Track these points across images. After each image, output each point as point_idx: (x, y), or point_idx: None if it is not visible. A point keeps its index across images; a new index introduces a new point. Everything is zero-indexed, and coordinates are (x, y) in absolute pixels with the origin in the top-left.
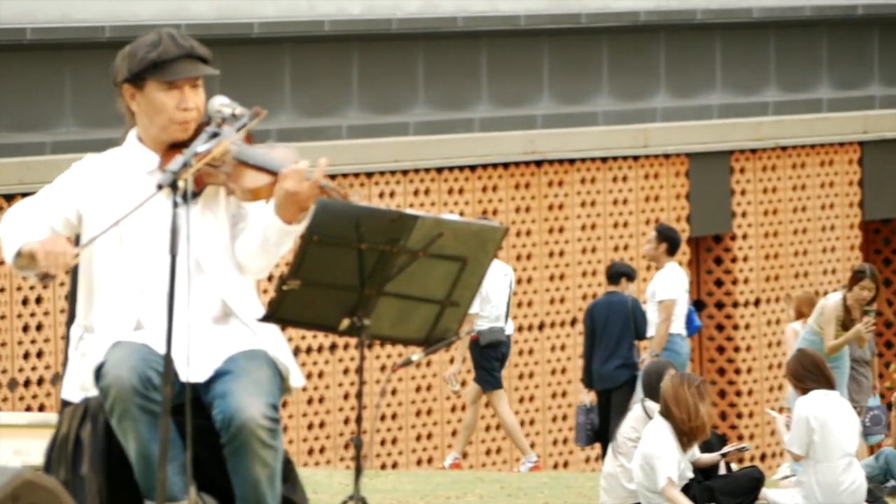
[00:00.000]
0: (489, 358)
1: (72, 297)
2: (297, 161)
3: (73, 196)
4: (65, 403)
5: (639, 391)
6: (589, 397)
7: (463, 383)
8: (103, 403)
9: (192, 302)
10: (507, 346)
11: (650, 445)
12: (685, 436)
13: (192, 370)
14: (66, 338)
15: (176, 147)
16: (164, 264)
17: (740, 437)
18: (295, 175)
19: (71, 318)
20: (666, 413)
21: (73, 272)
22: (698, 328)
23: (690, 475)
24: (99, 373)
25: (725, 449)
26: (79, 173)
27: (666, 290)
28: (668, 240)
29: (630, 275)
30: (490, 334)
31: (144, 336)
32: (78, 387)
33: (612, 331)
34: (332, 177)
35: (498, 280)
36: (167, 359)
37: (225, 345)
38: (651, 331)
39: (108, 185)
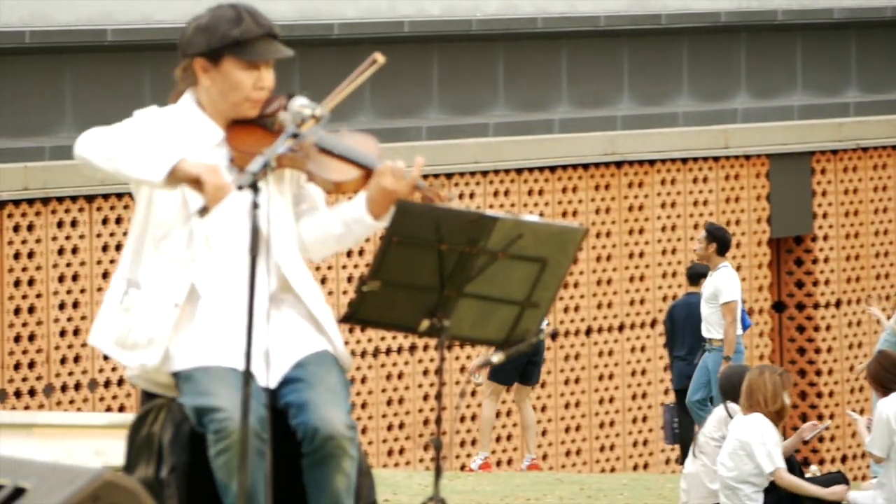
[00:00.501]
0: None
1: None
2: (378, 149)
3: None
4: (147, 396)
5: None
6: (673, 398)
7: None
8: (211, 442)
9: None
10: (535, 346)
11: (748, 433)
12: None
13: (269, 375)
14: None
15: (239, 123)
16: (225, 234)
17: (821, 440)
18: (393, 173)
19: None
20: (748, 401)
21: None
22: (749, 326)
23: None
24: (206, 414)
25: (807, 435)
26: (150, 121)
27: (729, 291)
28: (718, 239)
29: (707, 275)
30: None
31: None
32: (113, 341)
33: (690, 331)
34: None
35: None
36: (246, 375)
37: (291, 345)
38: (712, 332)
39: (174, 144)
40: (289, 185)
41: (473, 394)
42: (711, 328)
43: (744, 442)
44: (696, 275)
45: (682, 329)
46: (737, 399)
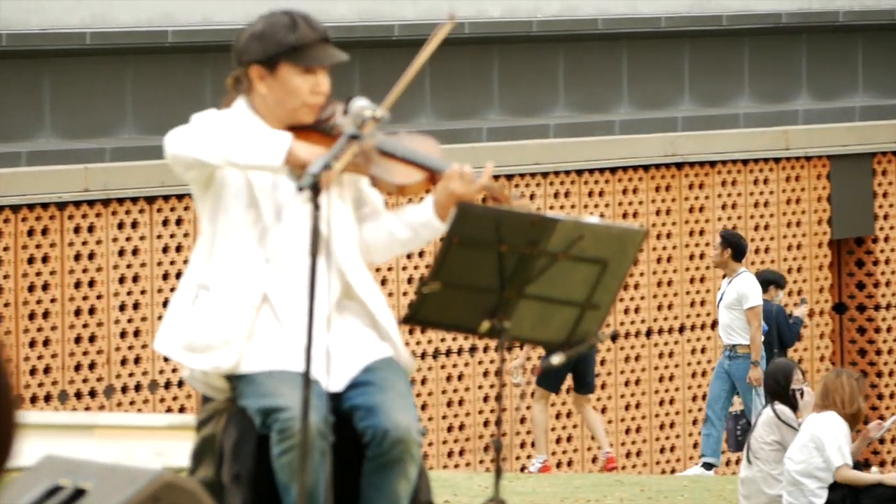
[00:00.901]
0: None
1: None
2: (439, 150)
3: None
4: (207, 397)
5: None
6: (740, 405)
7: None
8: (275, 442)
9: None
10: (586, 352)
11: (822, 428)
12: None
13: (332, 379)
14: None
15: (297, 129)
16: (294, 238)
17: (881, 442)
18: (462, 177)
19: None
20: (824, 401)
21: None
22: (766, 331)
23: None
24: (270, 414)
25: (874, 434)
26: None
27: (753, 296)
28: (733, 245)
29: (778, 282)
30: None
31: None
32: (182, 345)
33: (765, 340)
34: None
35: None
36: (306, 376)
37: (357, 350)
38: (735, 338)
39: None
40: (349, 190)
41: (533, 395)
42: (734, 334)
43: (815, 436)
44: (765, 282)
45: None
46: (784, 399)
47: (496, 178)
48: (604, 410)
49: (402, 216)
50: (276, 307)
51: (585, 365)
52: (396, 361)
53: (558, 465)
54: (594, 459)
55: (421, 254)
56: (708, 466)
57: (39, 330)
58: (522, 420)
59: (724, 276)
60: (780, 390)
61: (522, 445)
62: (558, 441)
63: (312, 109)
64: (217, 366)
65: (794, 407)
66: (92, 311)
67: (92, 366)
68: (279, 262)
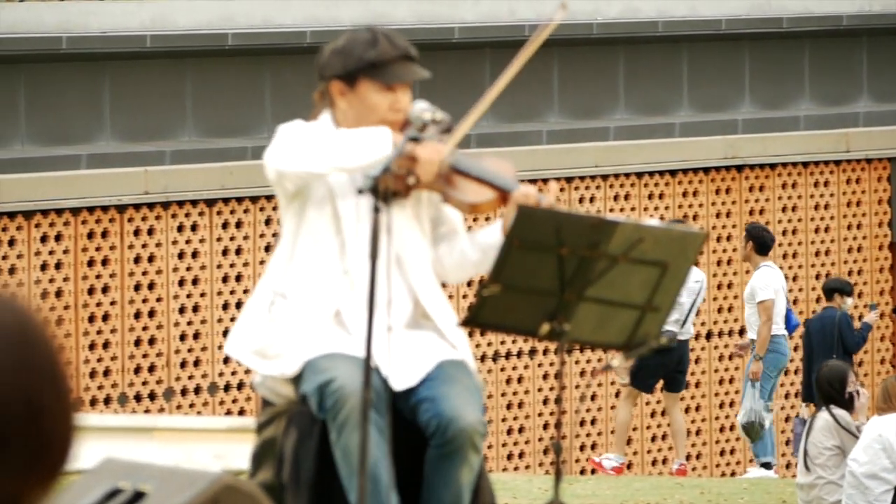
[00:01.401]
0: (656, 362)
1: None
2: (513, 173)
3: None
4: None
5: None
6: (807, 410)
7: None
8: (331, 420)
9: (389, 299)
10: (680, 351)
11: (889, 429)
12: None
13: (396, 376)
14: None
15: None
16: (362, 247)
17: None
18: (527, 199)
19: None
20: (886, 404)
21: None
22: (796, 326)
23: None
24: (324, 389)
25: None
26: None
27: (764, 290)
28: (754, 238)
29: (843, 290)
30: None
31: (348, 337)
32: (253, 350)
33: (824, 346)
34: (532, 181)
35: (689, 286)
36: (367, 363)
37: (429, 351)
38: (753, 333)
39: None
40: (426, 209)
41: (593, 398)
42: (752, 329)
43: (882, 437)
44: (829, 290)
45: (818, 344)
46: (839, 402)
47: (556, 180)
48: (662, 414)
49: (473, 237)
50: (345, 318)
51: (681, 364)
52: (466, 364)
53: (629, 466)
54: (654, 462)
55: None
56: (767, 466)
57: (99, 332)
58: (582, 423)
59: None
60: (836, 394)
61: (582, 448)
62: (628, 442)
63: (392, 126)
64: (283, 372)
65: (850, 410)
66: (151, 313)
67: (151, 368)
68: (356, 275)
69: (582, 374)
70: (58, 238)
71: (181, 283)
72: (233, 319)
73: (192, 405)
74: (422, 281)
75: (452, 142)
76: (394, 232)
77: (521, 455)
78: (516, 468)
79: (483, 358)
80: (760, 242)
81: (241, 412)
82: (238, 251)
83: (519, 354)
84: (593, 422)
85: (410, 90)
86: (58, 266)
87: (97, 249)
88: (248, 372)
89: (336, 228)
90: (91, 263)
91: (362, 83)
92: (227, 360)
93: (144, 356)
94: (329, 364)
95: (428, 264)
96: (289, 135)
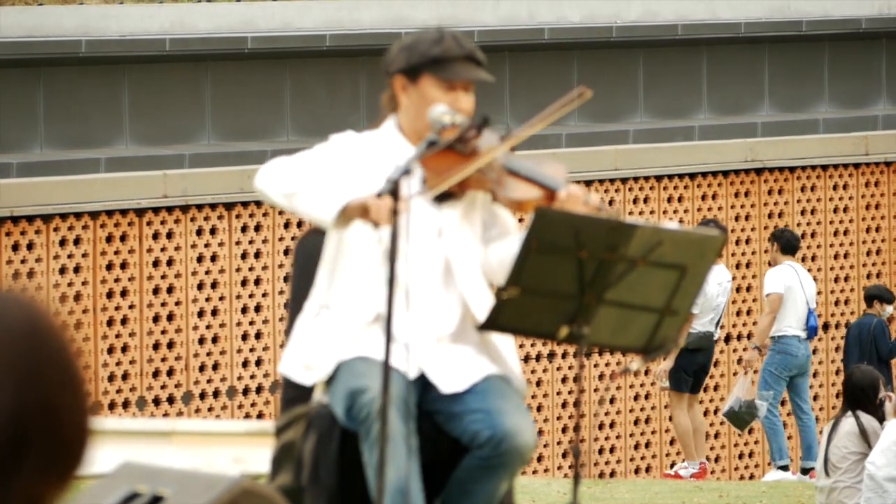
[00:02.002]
0: (690, 361)
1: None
2: (565, 175)
3: (336, 166)
4: (286, 403)
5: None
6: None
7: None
8: (363, 433)
9: (436, 305)
10: (711, 353)
11: None
12: None
13: (444, 381)
14: (288, 312)
15: (436, 145)
16: (414, 260)
17: None
18: (577, 199)
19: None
20: None
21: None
22: (815, 329)
23: None
24: (356, 397)
25: None
26: (340, 146)
27: (772, 284)
28: (778, 238)
29: (882, 296)
30: (699, 339)
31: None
32: (302, 365)
33: (861, 352)
34: None
35: (722, 285)
36: (386, 365)
37: (478, 362)
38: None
39: (362, 166)
40: (479, 212)
41: (612, 401)
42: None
43: None
44: (869, 297)
45: (856, 350)
46: (867, 408)
47: (576, 182)
48: (705, 413)
49: (519, 237)
50: (393, 327)
51: (707, 365)
52: (510, 380)
53: (636, 471)
54: (673, 464)
55: None
56: (784, 468)
57: (118, 336)
58: (601, 426)
59: None
60: (867, 400)
61: (601, 451)
62: (636, 447)
63: (451, 126)
64: (320, 377)
65: (881, 418)
66: (171, 317)
67: (170, 372)
68: (399, 284)
69: (601, 377)
70: (77, 242)
71: (200, 286)
72: (251, 323)
73: (210, 409)
74: (472, 287)
75: (507, 144)
76: (444, 235)
77: (539, 458)
78: (535, 472)
79: None
80: (784, 242)
81: (260, 416)
82: (257, 255)
83: (538, 358)
84: (612, 425)
85: (473, 94)
86: (76, 270)
87: (116, 253)
88: (266, 376)
89: (378, 236)
90: (110, 267)
91: (424, 79)
92: (245, 364)
93: (163, 360)
94: (365, 369)
95: (478, 270)
96: (290, 158)
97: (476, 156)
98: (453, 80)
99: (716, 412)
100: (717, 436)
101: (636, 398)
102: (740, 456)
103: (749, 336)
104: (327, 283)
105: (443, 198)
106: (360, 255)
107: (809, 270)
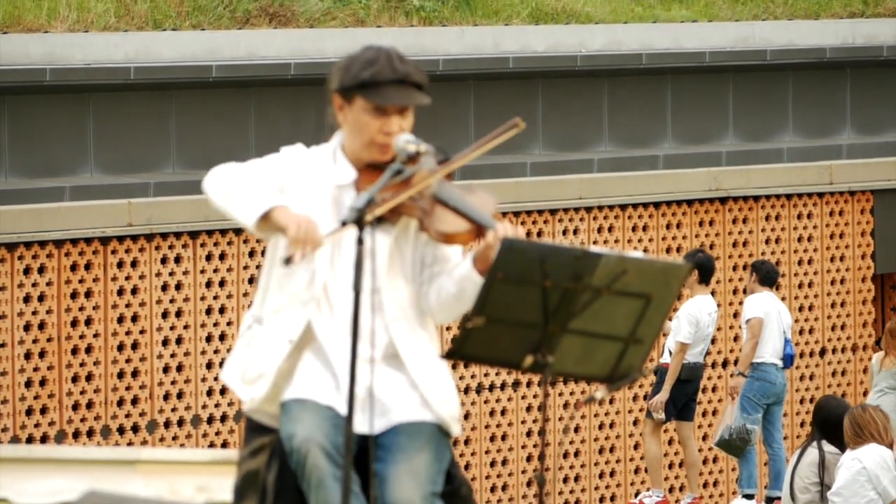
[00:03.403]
0: (681, 392)
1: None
2: (494, 209)
3: (281, 177)
4: (251, 432)
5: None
6: None
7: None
8: (300, 477)
9: (364, 328)
10: (699, 381)
11: (870, 460)
12: None
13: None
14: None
15: (374, 167)
16: (341, 278)
17: None
18: (497, 235)
19: None
20: (858, 437)
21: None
22: (791, 358)
23: None
24: (289, 442)
25: None
26: (287, 158)
27: (751, 309)
28: (757, 270)
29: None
30: (690, 370)
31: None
32: (238, 377)
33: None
34: (517, 214)
35: (712, 315)
36: (350, 403)
37: (393, 403)
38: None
39: (303, 180)
40: (412, 244)
41: (577, 430)
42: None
43: (866, 469)
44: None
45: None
46: (835, 439)
47: (540, 212)
48: (670, 442)
49: (451, 273)
50: (323, 345)
51: (696, 392)
52: (429, 427)
53: (601, 500)
54: (671, 490)
55: None
56: (750, 496)
57: (82, 365)
58: (566, 455)
59: None
60: (834, 430)
61: (565, 480)
62: (601, 476)
63: (382, 149)
64: (252, 397)
65: (842, 448)
66: (135, 345)
67: (135, 401)
68: (329, 303)
69: (565, 406)
70: (41, 270)
71: (164, 315)
72: (216, 352)
73: (175, 437)
74: (397, 320)
75: (442, 172)
76: (376, 259)
77: (504, 487)
78: (499, 500)
79: (467, 390)
80: (763, 274)
81: (225, 444)
82: (222, 283)
83: (503, 386)
84: (577, 454)
85: (411, 116)
86: (41, 298)
87: (80, 282)
88: (230, 404)
89: (309, 257)
90: (74, 296)
91: (357, 101)
92: (210, 393)
93: (128, 388)
94: (299, 413)
95: (408, 303)
96: (232, 164)
97: (410, 183)
98: (383, 105)
99: (704, 438)
100: (715, 460)
101: (601, 427)
102: (705, 485)
103: (714, 365)
104: (262, 296)
105: (376, 222)
106: (292, 274)
107: None
